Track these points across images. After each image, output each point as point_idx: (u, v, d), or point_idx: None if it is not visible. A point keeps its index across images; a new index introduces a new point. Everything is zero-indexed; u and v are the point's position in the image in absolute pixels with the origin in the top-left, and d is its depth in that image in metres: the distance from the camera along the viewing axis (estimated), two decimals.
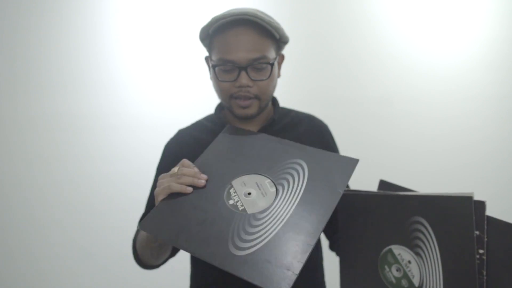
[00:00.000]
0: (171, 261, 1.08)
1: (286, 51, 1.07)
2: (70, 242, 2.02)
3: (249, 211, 0.77)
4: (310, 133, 1.08)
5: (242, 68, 0.92)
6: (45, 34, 2.03)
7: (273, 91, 1.00)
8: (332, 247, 1.12)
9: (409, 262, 0.80)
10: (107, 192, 2.06)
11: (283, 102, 1.16)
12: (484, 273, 0.70)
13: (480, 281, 0.70)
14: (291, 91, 1.07)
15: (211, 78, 1.00)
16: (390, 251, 0.83)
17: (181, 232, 0.75)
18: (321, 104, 1.42)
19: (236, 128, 0.96)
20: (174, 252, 1.03)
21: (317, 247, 1.09)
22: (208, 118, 1.10)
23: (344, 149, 1.17)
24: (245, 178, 0.83)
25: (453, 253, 0.73)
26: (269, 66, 0.94)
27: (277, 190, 0.80)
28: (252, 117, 0.98)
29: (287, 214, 0.75)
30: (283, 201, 0.78)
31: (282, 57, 1.05)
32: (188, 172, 0.80)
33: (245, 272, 0.68)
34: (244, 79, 0.92)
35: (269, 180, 0.82)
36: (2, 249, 2.00)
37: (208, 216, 0.77)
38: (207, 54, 1.02)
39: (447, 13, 2.40)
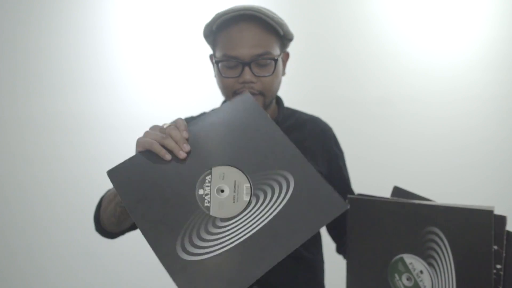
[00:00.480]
0: None
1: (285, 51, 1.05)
2: (71, 242, 2.03)
3: (212, 212, 0.70)
4: (313, 136, 1.06)
5: (245, 64, 0.91)
6: (45, 35, 2.03)
7: (277, 88, 0.98)
8: (339, 250, 1.11)
9: (421, 272, 0.79)
10: None
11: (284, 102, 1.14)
12: None
13: None
14: (291, 91, 1.06)
15: (215, 75, 0.99)
16: (402, 259, 0.81)
17: (141, 201, 0.69)
18: (321, 104, 1.40)
19: (254, 104, 0.80)
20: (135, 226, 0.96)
21: (318, 250, 1.07)
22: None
23: (344, 149, 1.17)
24: (226, 169, 0.73)
25: (469, 266, 0.72)
26: (273, 62, 0.93)
27: (250, 201, 0.71)
28: None
29: (248, 233, 0.68)
30: (250, 216, 0.70)
31: (287, 55, 1.04)
32: (175, 136, 0.72)
33: (180, 279, 0.63)
34: (247, 74, 0.91)
35: (248, 185, 0.72)
36: (3, 249, 2.01)
37: (173, 197, 0.70)
38: (210, 52, 0.99)
39: (447, 13, 2.42)
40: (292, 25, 1.27)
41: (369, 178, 1.24)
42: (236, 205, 0.70)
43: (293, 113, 1.09)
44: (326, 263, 1.13)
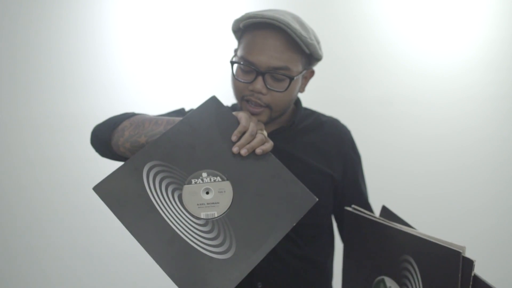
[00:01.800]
0: None
1: None
2: (71, 242, 2.00)
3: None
4: (330, 139, 1.02)
5: (260, 73, 0.86)
6: (45, 35, 1.98)
7: (288, 105, 0.93)
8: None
9: None
10: None
11: None
12: None
13: None
14: None
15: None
16: (383, 281, 0.80)
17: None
18: (320, 105, 1.30)
19: (224, 109, 0.83)
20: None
21: (329, 254, 1.07)
22: (234, 108, 1.07)
23: None
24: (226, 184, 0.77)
25: None
26: (288, 80, 0.87)
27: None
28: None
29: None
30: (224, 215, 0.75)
31: (311, 73, 0.98)
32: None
33: (167, 265, 0.70)
34: (259, 84, 0.86)
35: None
36: (3, 249, 1.98)
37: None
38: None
39: (446, 13, 2.29)
40: None
41: (368, 178, 1.18)
42: (218, 206, 0.75)
43: (311, 113, 1.05)
44: (336, 267, 1.12)
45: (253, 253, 0.71)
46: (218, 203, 0.75)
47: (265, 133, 0.85)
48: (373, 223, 0.82)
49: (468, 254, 0.65)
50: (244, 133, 0.80)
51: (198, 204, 0.74)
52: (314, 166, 0.99)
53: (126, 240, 2.11)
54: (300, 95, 1.03)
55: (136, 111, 1.17)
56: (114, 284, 2.02)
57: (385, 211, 0.83)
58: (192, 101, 2.15)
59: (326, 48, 2.23)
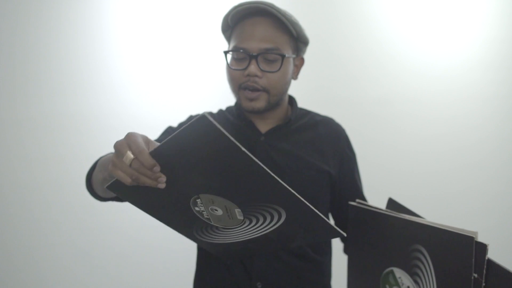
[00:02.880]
0: (173, 262, 1.07)
1: None
2: (69, 243, 2.01)
3: (213, 223, 0.73)
4: (326, 137, 1.04)
5: (252, 56, 0.90)
6: (44, 35, 1.98)
7: (284, 87, 0.97)
8: (346, 250, 1.11)
9: (408, 287, 0.78)
10: None
11: None
12: None
13: None
14: (290, 91, 1.05)
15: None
16: (392, 272, 0.81)
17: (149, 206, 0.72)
18: (320, 105, 1.33)
19: (214, 126, 0.55)
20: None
21: (327, 252, 1.07)
22: (228, 109, 1.10)
23: None
24: (214, 197, 0.68)
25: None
26: (281, 58, 0.91)
27: (244, 221, 0.72)
28: (259, 112, 0.95)
29: (248, 236, 0.76)
30: (248, 229, 0.74)
31: (301, 60, 1.02)
32: (145, 172, 0.61)
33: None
34: (253, 67, 0.90)
35: (239, 210, 0.70)
36: (2, 249, 1.98)
37: (173, 209, 0.71)
38: (222, 48, 0.99)
39: (446, 13, 2.31)
40: None
41: (368, 178, 1.20)
42: (232, 221, 0.73)
43: (306, 113, 1.08)
44: (335, 266, 1.12)
45: None
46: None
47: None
48: (380, 215, 0.83)
49: None
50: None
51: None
52: (311, 163, 1.00)
53: (125, 240, 2.03)
54: (299, 94, 1.06)
55: (135, 110, 1.17)
56: (113, 284, 2.02)
57: (392, 203, 0.84)
58: (191, 101, 2.09)
59: (325, 48, 2.31)
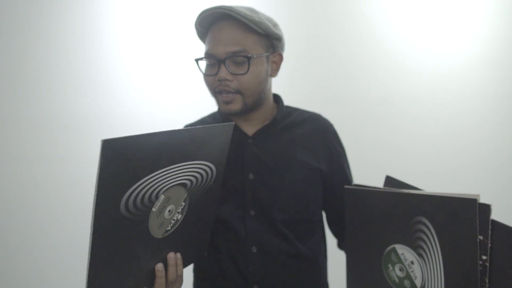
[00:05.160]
0: None
1: (285, 51, 1.03)
2: (71, 242, 2.00)
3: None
4: (314, 133, 1.04)
5: (221, 61, 0.91)
6: (44, 35, 1.99)
7: (259, 87, 0.95)
8: (340, 245, 1.10)
9: (412, 262, 0.77)
10: None
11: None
12: (487, 280, 0.66)
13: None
14: (290, 91, 1.06)
15: None
16: (394, 250, 0.81)
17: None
18: (320, 104, 1.36)
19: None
20: None
21: (321, 248, 1.06)
22: (211, 116, 1.10)
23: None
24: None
25: (455, 257, 0.70)
26: (247, 60, 0.91)
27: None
28: (236, 114, 0.95)
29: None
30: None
31: (279, 56, 1.01)
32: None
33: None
34: (222, 72, 0.91)
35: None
36: (2, 249, 1.98)
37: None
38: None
39: (446, 12, 2.33)
40: (291, 26, 1.22)
41: (368, 178, 1.23)
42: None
43: (293, 111, 1.08)
44: (330, 261, 1.11)
45: None
46: None
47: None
48: (379, 193, 0.83)
49: None
50: None
51: None
52: (302, 161, 1.01)
53: None
54: (298, 93, 1.06)
55: (135, 110, 1.17)
56: None
57: (390, 181, 0.84)
58: (191, 101, 2.07)
59: (326, 47, 2.34)
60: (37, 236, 1.98)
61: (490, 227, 0.65)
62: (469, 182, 2.29)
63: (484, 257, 0.66)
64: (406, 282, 0.79)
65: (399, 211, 0.79)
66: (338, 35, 2.23)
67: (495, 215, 0.66)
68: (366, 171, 1.19)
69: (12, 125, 1.97)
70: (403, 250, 0.79)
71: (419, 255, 0.76)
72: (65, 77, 2.00)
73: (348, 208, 0.90)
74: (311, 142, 1.03)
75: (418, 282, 0.77)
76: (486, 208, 0.66)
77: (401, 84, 2.28)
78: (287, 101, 1.09)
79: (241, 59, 0.91)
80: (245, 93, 0.93)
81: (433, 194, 0.73)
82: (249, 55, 0.91)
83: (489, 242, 0.65)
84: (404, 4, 2.31)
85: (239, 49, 0.91)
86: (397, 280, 0.81)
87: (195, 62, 0.98)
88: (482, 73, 2.35)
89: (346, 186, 0.91)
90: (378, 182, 0.91)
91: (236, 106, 0.94)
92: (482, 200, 0.67)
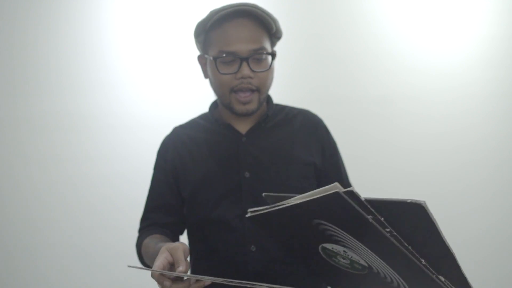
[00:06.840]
0: None
1: (285, 50, 1.05)
2: (69, 243, 2.00)
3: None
4: (305, 128, 1.06)
5: (243, 59, 0.92)
6: (43, 34, 2.00)
7: (271, 84, 1.00)
8: None
9: (345, 251, 0.72)
10: (106, 192, 2.01)
11: (282, 101, 1.14)
12: (410, 247, 0.60)
13: (408, 250, 0.60)
14: (290, 90, 1.06)
15: (206, 76, 1.03)
16: (324, 248, 0.75)
17: None
18: (320, 104, 1.36)
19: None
20: None
21: None
22: (202, 117, 1.11)
23: (344, 148, 1.16)
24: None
25: (367, 237, 0.64)
26: (269, 57, 0.95)
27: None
28: (252, 114, 0.97)
29: None
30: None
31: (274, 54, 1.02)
32: None
33: None
34: (246, 69, 0.92)
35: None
36: (0, 250, 1.98)
37: None
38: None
39: (446, 11, 2.30)
40: (290, 24, 1.28)
41: (368, 177, 1.19)
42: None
43: (282, 108, 1.10)
44: None
45: None
46: None
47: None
48: (276, 213, 0.74)
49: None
50: None
51: None
52: (296, 156, 1.02)
53: (124, 240, 2.05)
54: (298, 92, 1.21)
55: (134, 109, 1.29)
56: (113, 284, 2.02)
57: (270, 198, 0.76)
58: (190, 100, 2.03)
59: (325, 46, 2.28)
60: (35, 236, 1.99)
61: (369, 206, 0.58)
62: (469, 181, 2.26)
63: (387, 230, 0.60)
64: (356, 265, 0.74)
65: (299, 221, 0.72)
66: (338, 34, 2.20)
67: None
68: (366, 170, 1.18)
69: (12, 124, 1.98)
70: (331, 246, 0.73)
71: (344, 246, 0.70)
72: (65, 77, 2.02)
73: (265, 232, 0.83)
74: (303, 137, 1.05)
75: (363, 262, 0.72)
76: (354, 195, 0.58)
77: (401, 83, 2.24)
78: (287, 101, 1.12)
79: (262, 57, 0.95)
80: (262, 90, 0.97)
81: (303, 197, 0.65)
82: (270, 52, 0.96)
83: (380, 216, 0.59)
84: (404, 3, 2.25)
85: (260, 46, 0.94)
86: (348, 266, 0.76)
87: (213, 61, 0.96)
88: (482, 71, 2.28)
89: (249, 210, 0.82)
90: (377, 182, 0.87)
91: (253, 105, 0.97)
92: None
